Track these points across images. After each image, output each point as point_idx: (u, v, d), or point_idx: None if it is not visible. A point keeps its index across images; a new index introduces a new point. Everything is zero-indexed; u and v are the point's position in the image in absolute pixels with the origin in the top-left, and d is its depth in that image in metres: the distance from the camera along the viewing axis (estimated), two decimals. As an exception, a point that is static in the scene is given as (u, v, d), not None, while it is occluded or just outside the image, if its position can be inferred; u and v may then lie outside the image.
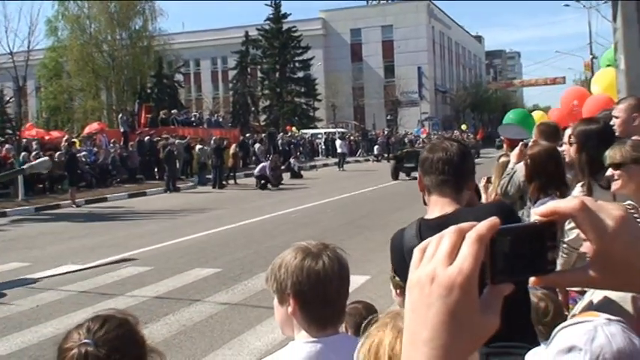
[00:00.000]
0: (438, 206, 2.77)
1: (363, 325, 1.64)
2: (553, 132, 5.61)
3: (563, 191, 4.29)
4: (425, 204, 2.95)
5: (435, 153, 2.80)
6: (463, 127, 66.14)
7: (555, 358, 1.31)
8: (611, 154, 3.46)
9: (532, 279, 0.89)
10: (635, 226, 0.88)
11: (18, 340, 7.69)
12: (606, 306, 1.80)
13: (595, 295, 1.94)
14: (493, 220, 0.83)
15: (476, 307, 0.81)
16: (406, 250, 2.72)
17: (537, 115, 11.12)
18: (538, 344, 1.36)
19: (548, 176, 4.43)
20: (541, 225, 0.86)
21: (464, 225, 0.84)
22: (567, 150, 4.45)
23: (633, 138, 3.80)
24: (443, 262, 0.81)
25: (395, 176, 30.29)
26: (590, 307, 1.81)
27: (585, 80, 50.15)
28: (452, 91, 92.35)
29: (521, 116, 8.71)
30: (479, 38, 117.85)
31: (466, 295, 0.79)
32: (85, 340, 1.81)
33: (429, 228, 2.72)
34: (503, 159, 6.02)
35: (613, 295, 1.78)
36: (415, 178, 22.37)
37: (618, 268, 0.88)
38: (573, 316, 1.83)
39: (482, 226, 0.82)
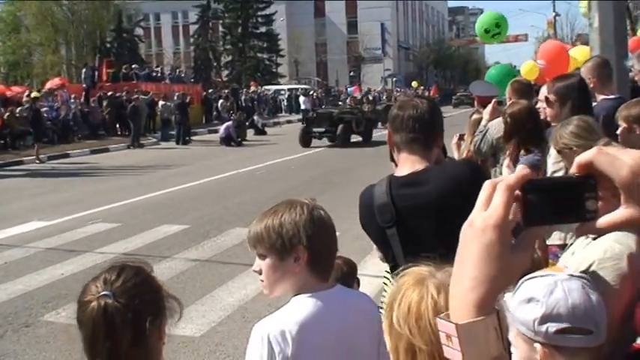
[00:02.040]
0: (408, 163, 2.80)
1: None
2: (527, 90, 5.69)
3: (543, 147, 4.37)
4: (392, 160, 2.98)
5: (405, 110, 2.80)
6: (414, 84, 65.42)
7: (516, 307, 1.38)
8: (553, 140, 3.55)
9: (576, 228, 0.98)
10: None
11: (-12, 297, 7.63)
12: (601, 262, 1.86)
13: (586, 251, 2.00)
14: (522, 171, 0.98)
15: (507, 246, 0.95)
16: (376, 205, 2.77)
17: (527, 68, 10.79)
18: None
19: (528, 133, 4.52)
20: (577, 177, 0.96)
21: (497, 179, 0.98)
22: (543, 108, 4.54)
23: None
24: (479, 209, 0.97)
25: (305, 143, 24.82)
26: (578, 263, 1.88)
27: (548, 37, 50.45)
28: (415, 47, 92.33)
29: (503, 72, 8.69)
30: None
31: (497, 235, 0.94)
32: (104, 292, 1.83)
33: (400, 185, 2.77)
34: (475, 116, 6.07)
35: (610, 250, 1.86)
36: (329, 146, 21.83)
37: None
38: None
39: (512, 177, 0.96)
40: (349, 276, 3.98)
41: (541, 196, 0.95)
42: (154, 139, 29.50)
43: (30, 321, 6.78)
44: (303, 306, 2.21)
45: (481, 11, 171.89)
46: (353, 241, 8.49)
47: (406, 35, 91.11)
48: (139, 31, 68.59)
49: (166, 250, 9.56)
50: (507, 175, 1.02)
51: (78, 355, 1.96)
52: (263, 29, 69.21)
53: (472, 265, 0.96)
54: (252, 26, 68.68)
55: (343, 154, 22.63)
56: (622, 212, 0.94)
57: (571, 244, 2.37)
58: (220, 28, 70.61)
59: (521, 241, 0.98)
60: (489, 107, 5.35)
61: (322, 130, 24.70)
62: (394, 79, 76.41)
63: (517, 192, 0.95)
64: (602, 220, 0.95)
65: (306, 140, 24.93)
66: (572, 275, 1.39)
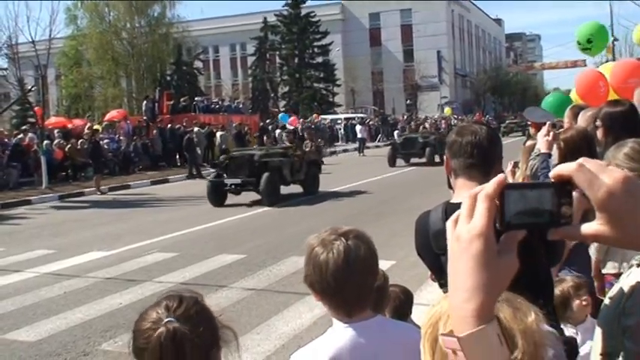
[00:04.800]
0: (465, 190, 2.73)
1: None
2: (586, 114, 5.52)
3: None
4: (450, 187, 2.94)
5: (463, 136, 2.78)
6: (447, 110, 63.91)
7: None
8: (606, 162, 3.39)
9: (549, 232, 1.01)
10: (637, 187, 0.98)
11: (47, 326, 7.74)
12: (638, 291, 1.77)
13: (629, 279, 1.91)
14: (498, 178, 1.00)
15: (493, 252, 0.97)
16: (432, 232, 2.73)
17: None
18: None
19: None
20: (553, 184, 1.00)
21: (476, 189, 1.02)
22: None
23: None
24: (463, 223, 1.00)
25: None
26: (622, 291, 1.79)
27: (607, 62, 49.43)
28: (472, 74, 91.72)
29: (559, 100, 8.48)
30: (498, 21, 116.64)
31: (484, 244, 0.97)
32: (170, 319, 1.80)
33: (455, 211, 2.69)
34: (529, 142, 5.95)
35: None
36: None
37: (619, 223, 0.98)
38: (610, 299, 1.80)
39: (489, 185, 0.99)
40: (405, 304, 3.95)
41: (518, 200, 0.98)
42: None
43: (88, 350, 6.85)
44: (336, 337, 2.21)
45: (538, 37, 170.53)
46: (409, 269, 8.40)
47: (463, 62, 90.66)
48: (198, 64, 69.95)
49: (223, 280, 9.59)
50: (486, 185, 1.00)
51: None
52: (319, 59, 69.75)
53: (464, 277, 0.98)
54: (308, 57, 69.33)
55: (405, 181, 22.50)
56: (594, 227, 0.99)
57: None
58: (277, 60, 71.53)
59: (503, 245, 1.00)
60: (542, 132, 5.20)
61: (237, 181, 17.72)
62: (451, 106, 75.98)
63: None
64: (574, 230, 1.01)
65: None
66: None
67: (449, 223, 1.04)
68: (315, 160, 20.79)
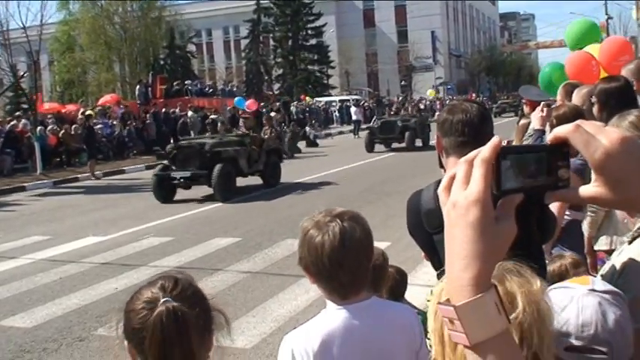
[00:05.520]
0: None
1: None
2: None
3: None
4: (441, 166, 2.92)
5: (454, 114, 2.75)
6: (430, 92, 62.82)
7: None
8: None
9: (546, 195, 1.00)
10: (636, 147, 0.96)
11: (43, 312, 7.76)
12: (633, 266, 1.77)
13: (621, 257, 1.91)
14: (493, 141, 0.98)
15: (491, 219, 0.95)
16: (423, 211, 2.73)
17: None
18: None
19: None
20: (550, 146, 0.98)
21: (470, 154, 0.99)
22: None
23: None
24: (459, 189, 0.97)
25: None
26: (614, 268, 1.79)
27: (601, 41, 49.37)
28: (466, 55, 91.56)
29: (558, 68, 8.35)
30: (492, 0, 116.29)
31: (481, 210, 0.94)
32: (167, 298, 1.77)
33: None
34: (523, 121, 5.96)
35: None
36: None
37: (618, 185, 0.96)
38: (602, 276, 1.80)
39: (485, 149, 0.97)
40: (398, 285, 3.97)
41: (514, 163, 0.96)
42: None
43: (84, 335, 6.87)
44: (329, 320, 2.21)
45: (532, 16, 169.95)
46: (404, 250, 8.42)
47: (457, 43, 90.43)
48: (192, 47, 69.69)
49: (218, 263, 9.60)
50: (481, 149, 0.98)
51: None
52: (313, 41, 69.50)
53: (461, 244, 0.95)
54: (302, 39, 69.05)
55: (397, 163, 22.52)
56: (591, 189, 0.98)
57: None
58: (271, 42, 71.24)
59: (501, 211, 0.97)
60: (537, 111, 5.19)
61: (186, 174, 15.79)
62: (446, 87, 75.88)
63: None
64: (573, 192, 0.99)
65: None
66: (593, 290, 1.32)
67: (440, 190, 1.01)
68: (275, 148, 19.06)
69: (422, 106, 55.36)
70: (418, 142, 28.04)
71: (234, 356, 5.95)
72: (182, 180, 15.75)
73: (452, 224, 0.97)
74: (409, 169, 19.47)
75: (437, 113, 36.31)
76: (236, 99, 34.82)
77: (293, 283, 8.12)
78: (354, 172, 20.64)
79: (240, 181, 16.84)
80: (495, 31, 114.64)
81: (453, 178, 1.00)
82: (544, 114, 4.83)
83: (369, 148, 27.46)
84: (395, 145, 28.17)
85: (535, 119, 5.22)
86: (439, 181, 2.73)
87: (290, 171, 20.65)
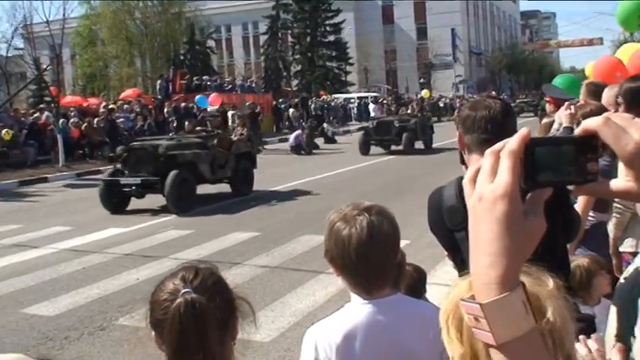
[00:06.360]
0: None
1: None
2: (601, 91, 5.52)
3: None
4: (462, 163, 2.89)
5: (477, 111, 2.71)
6: (424, 93, 60.20)
7: None
8: None
9: (574, 188, 0.97)
10: None
11: (66, 301, 7.88)
12: None
13: None
14: (521, 132, 0.94)
15: (519, 213, 0.91)
16: (445, 208, 2.69)
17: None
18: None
19: None
20: (579, 138, 0.94)
21: (497, 145, 0.96)
22: (613, 110, 4.40)
23: None
24: (486, 181, 0.93)
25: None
26: (637, 272, 1.81)
27: (624, 41, 48.81)
28: (487, 52, 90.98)
29: (569, 81, 8.35)
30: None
31: (509, 205, 0.90)
32: (187, 290, 1.80)
33: None
34: (545, 120, 5.92)
35: None
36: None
37: None
38: (625, 279, 1.82)
39: (512, 141, 0.93)
40: (417, 284, 3.95)
41: (543, 155, 0.93)
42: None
43: (105, 324, 6.98)
44: (352, 314, 2.21)
45: (554, 15, 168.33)
46: (424, 249, 8.45)
47: (477, 40, 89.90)
48: (211, 43, 69.94)
49: (237, 257, 9.69)
50: (508, 140, 0.95)
51: (149, 359, 1.97)
52: (332, 38, 69.42)
53: (487, 240, 0.92)
54: (320, 35, 69.02)
55: (412, 161, 22.50)
56: (621, 183, 0.96)
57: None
58: (290, 38, 71.26)
59: (529, 206, 0.94)
60: (561, 110, 5.19)
61: (136, 181, 13.72)
62: (466, 85, 75.51)
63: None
64: (601, 186, 0.96)
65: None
66: None
67: (465, 182, 0.98)
68: (247, 152, 16.39)
69: (441, 104, 55.23)
70: (420, 145, 26.05)
71: (252, 349, 5.99)
72: (134, 187, 13.73)
73: (477, 218, 0.94)
74: (425, 167, 19.46)
75: (456, 111, 35.07)
76: (197, 97, 30.27)
77: (311, 279, 8.18)
78: (371, 169, 20.66)
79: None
80: (516, 29, 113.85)
81: (478, 171, 0.97)
82: (572, 111, 4.85)
83: (364, 150, 25.03)
84: (394, 147, 25.74)
85: (564, 117, 5.20)
86: (461, 178, 2.76)
87: (307, 167, 20.77)
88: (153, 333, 1.86)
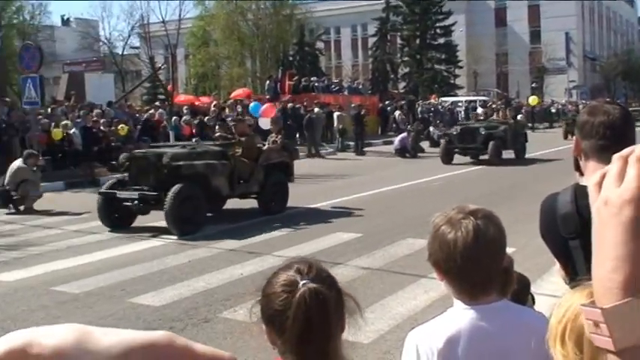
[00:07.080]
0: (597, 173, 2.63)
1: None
2: None
3: None
4: (576, 169, 2.81)
5: (596, 116, 2.62)
6: (532, 99, 55.22)
7: None
8: None
9: None
10: None
11: (172, 292, 8.10)
12: None
13: None
14: None
15: None
16: (559, 215, 2.62)
17: None
18: None
19: None
20: None
21: (625, 151, 0.95)
22: None
23: None
24: (612, 185, 0.92)
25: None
26: None
27: None
28: (602, 58, 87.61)
29: None
30: (631, 2, 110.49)
31: (635, 210, 0.88)
32: (306, 281, 1.80)
33: (586, 195, 2.59)
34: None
35: None
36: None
37: None
38: None
39: None
40: (521, 292, 3.85)
41: None
42: (331, 149, 30.15)
43: (209, 317, 7.15)
44: (456, 319, 2.17)
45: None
46: (530, 257, 8.20)
47: (592, 45, 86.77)
48: (320, 45, 70.59)
49: (339, 257, 9.69)
50: (637, 145, 0.93)
51: (251, 352, 1.99)
52: (441, 40, 68.57)
53: (612, 245, 0.90)
54: (430, 38, 68.33)
55: (521, 168, 21.96)
56: None
57: None
58: (399, 40, 70.96)
59: None
60: None
61: (134, 195, 11.98)
62: (579, 90, 73.01)
63: None
64: None
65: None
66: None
67: (591, 185, 0.97)
68: (281, 162, 14.09)
69: (553, 110, 53.58)
70: (510, 154, 23.97)
71: (351, 350, 5.99)
72: (136, 202, 11.86)
73: (602, 223, 0.92)
74: (536, 174, 18.94)
75: (518, 120, 31.92)
76: (251, 105, 26.63)
77: (413, 282, 8.10)
78: (478, 174, 20.29)
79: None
80: (633, 34, 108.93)
81: (604, 175, 0.96)
82: None
83: (446, 159, 23.14)
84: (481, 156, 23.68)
85: None
86: (577, 185, 2.67)
87: (411, 170, 20.62)
88: (264, 327, 1.85)
